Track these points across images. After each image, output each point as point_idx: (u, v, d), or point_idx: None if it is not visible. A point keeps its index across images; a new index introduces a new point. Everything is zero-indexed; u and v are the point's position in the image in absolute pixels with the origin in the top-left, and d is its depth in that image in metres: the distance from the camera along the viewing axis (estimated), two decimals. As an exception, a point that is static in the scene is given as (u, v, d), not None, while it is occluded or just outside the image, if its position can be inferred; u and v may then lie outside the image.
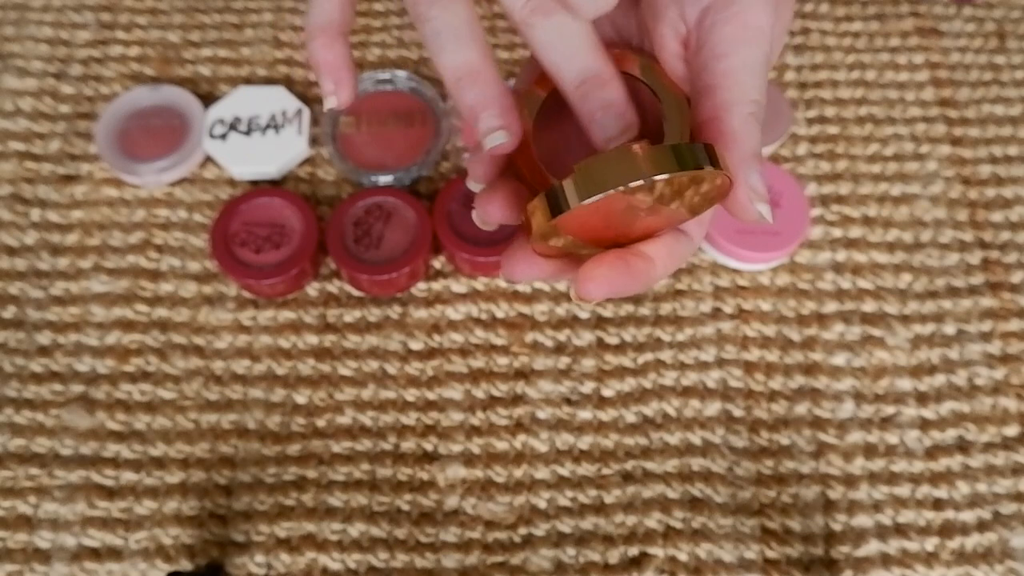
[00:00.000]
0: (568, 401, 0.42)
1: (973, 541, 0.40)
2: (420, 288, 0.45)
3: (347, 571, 0.39)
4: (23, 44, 0.52)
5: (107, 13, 0.53)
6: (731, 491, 0.41)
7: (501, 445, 0.41)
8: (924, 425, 0.42)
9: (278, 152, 0.47)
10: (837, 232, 0.47)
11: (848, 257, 0.46)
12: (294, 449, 0.41)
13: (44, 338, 0.44)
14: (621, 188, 0.21)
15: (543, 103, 0.27)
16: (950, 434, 0.42)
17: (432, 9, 0.25)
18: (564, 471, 0.41)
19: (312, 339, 0.44)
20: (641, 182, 0.21)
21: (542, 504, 0.40)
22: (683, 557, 0.39)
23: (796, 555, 0.40)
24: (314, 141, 0.49)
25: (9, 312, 0.44)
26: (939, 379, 0.43)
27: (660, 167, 0.21)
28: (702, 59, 0.25)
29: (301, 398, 0.42)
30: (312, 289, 0.45)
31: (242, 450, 0.41)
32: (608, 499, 0.40)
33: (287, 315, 0.44)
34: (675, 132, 0.25)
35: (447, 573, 0.39)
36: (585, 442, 0.41)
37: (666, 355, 0.43)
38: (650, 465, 0.41)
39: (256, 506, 0.40)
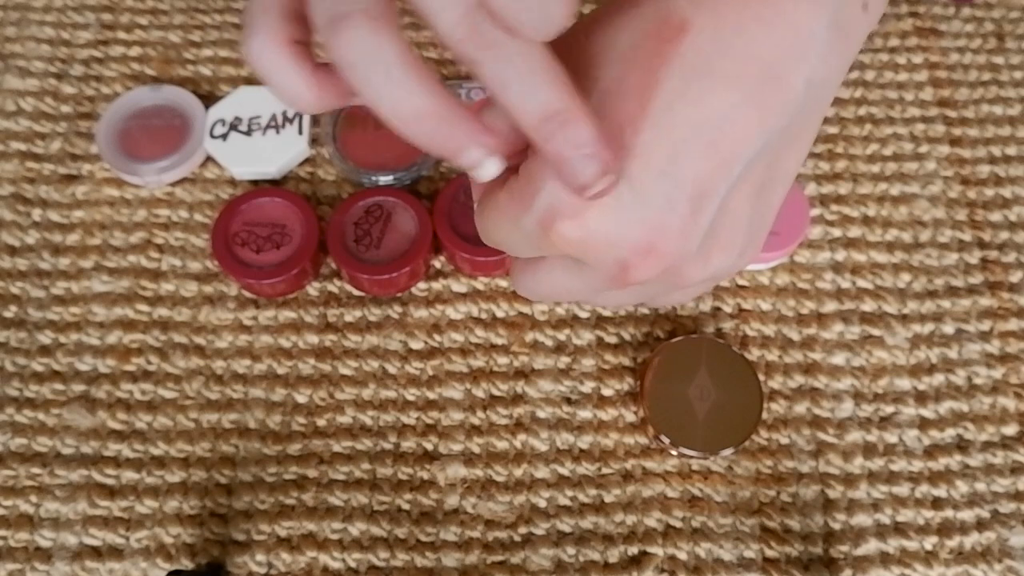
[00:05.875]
0: (568, 400, 0.42)
1: (972, 540, 0.40)
2: (420, 288, 0.45)
3: (347, 570, 0.39)
4: (24, 44, 0.52)
5: (108, 13, 0.53)
6: (730, 490, 0.41)
7: (501, 444, 0.41)
8: (923, 424, 0.42)
9: (279, 152, 0.47)
10: (836, 232, 0.47)
11: (847, 257, 0.46)
12: (295, 448, 0.41)
13: (45, 337, 0.44)
14: None
15: None
16: (949, 433, 0.42)
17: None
18: (564, 470, 0.41)
19: (313, 338, 0.44)
20: None
21: (542, 503, 0.40)
22: (683, 556, 0.39)
23: (795, 554, 0.40)
24: (314, 141, 0.49)
25: (11, 311, 0.44)
26: (938, 378, 0.43)
27: None
28: None
29: (302, 397, 0.42)
30: (312, 289, 0.45)
31: (243, 449, 0.41)
32: (608, 498, 0.40)
33: (288, 315, 0.44)
34: None
35: (447, 572, 0.39)
36: (585, 441, 0.42)
37: (666, 354, 0.43)
38: (650, 464, 0.41)
39: (257, 505, 0.40)
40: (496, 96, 0.22)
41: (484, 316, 0.44)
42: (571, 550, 0.39)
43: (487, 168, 0.24)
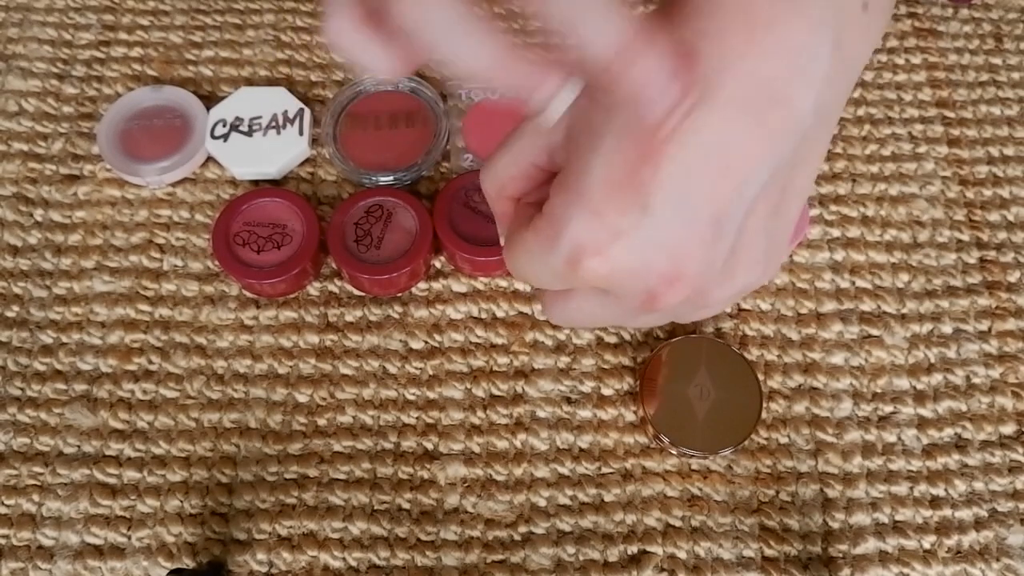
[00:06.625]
0: (568, 400, 0.43)
1: (970, 539, 0.40)
2: (420, 288, 0.45)
3: (348, 569, 0.39)
4: (27, 45, 0.52)
5: (110, 14, 0.53)
6: (730, 489, 0.41)
7: (501, 444, 0.42)
8: (921, 424, 0.43)
9: (279, 152, 0.47)
10: (835, 232, 0.47)
11: (846, 256, 0.46)
12: (295, 448, 0.42)
13: (47, 337, 0.44)
14: None
15: None
16: (947, 433, 0.42)
17: None
18: (564, 469, 0.41)
19: (313, 338, 0.44)
20: None
21: (542, 502, 0.40)
22: (682, 555, 0.39)
23: (795, 553, 0.40)
24: (315, 141, 0.49)
25: (13, 311, 0.44)
26: (936, 378, 0.44)
27: None
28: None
29: (302, 397, 0.43)
30: (313, 289, 0.45)
31: (244, 449, 0.42)
32: (608, 497, 0.41)
33: (288, 314, 0.44)
34: None
35: (448, 571, 0.39)
36: (585, 441, 0.42)
37: (665, 354, 0.44)
38: (649, 464, 0.41)
39: (258, 504, 0.40)
40: (568, 35, 0.22)
41: (484, 316, 0.45)
42: (571, 549, 0.40)
43: (562, 99, 0.24)
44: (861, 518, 0.40)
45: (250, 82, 0.51)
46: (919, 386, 0.43)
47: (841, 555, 0.40)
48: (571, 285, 0.28)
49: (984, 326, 0.45)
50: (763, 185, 0.25)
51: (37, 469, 0.41)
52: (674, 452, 0.41)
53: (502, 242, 0.32)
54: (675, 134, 0.24)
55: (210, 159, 0.48)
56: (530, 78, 0.24)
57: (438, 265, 0.46)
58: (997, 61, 0.53)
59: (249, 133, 0.48)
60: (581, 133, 0.26)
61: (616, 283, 0.26)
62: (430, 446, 0.42)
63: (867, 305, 0.45)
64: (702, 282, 0.26)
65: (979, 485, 0.41)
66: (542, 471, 0.41)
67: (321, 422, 0.42)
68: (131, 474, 0.41)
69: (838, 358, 0.44)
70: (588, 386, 0.43)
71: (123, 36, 0.52)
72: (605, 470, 0.41)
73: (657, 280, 0.26)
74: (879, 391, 0.43)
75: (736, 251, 0.26)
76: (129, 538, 0.40)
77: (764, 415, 0.42)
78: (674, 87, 0.23)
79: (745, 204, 0.25)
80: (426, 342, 0.44)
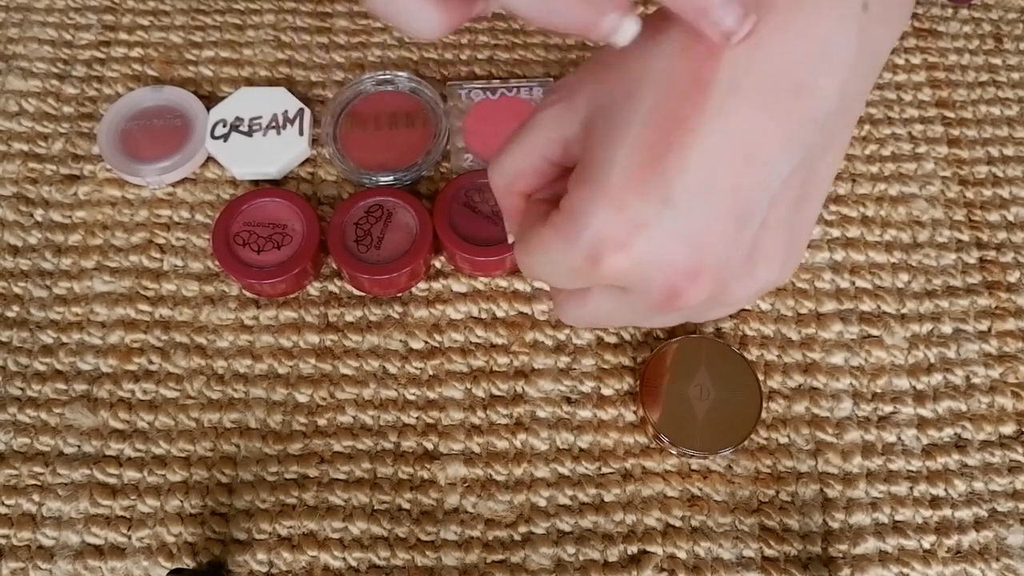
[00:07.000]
0: (568, 400, 0.43)
1: (970, 539, 0.40)
2: (420, 288, 0.45)
3: (348, 569, 0.39)
4: (27, 45, 0.52)
5: (110, 14, 0.53)
6: (730, 489, 0.41)
7: (501, 444, 0.42)
8: (921, 424, 0.43)
9: (279, 152, 0.47)
10: (835, 232, 0.47)
11: (846, 256, 0.46)
12: (295, 448, 0.42)
13: (48, 337, 0.44)
14: None
15: None
16: (947, 433, 0.42)
17: None
18: (564, 469, 0.41)
19: (313, 338, 0.44)
20: None
21: (542, 502, 0.40)
22: (682, 555, 0.39)
23: (794, 553, 0.40)
24: (315, 141, 0.49)
25: (13, 311, 0.44)
26: (936, 378, 0.44)
27: None
28: None
29: (302, 397, 0.43)
30: (313, 289, 0.45)
31: (244, 449, 0.42)
32: (607, 497, 0.41)
33: (288, 314, 0.44)
34: None
35: (448, 571, 0.39)
36: (585, 441, 0.42)
37: (665, 354, 0.44)
38: (649, 463, 0.41)
39: (258, 504, 0.40)
40: None
41: (484, 316, 0.45)
42: (571, 549, 0.40)
43: (626, 29, 0.24)
44: (861, 518, 0.40)
45: (250, 82, 0.51)
46: (919, 386, 0.43)
47: (841, 555, 0.40)
48: (590, 283, 0.27)
49: (984, 326, 0.45)
50: (785, 177, 0.25)
51: (37, 469, 0.41)
52: (674, 452, 0.41)
53: (510, 239, 0.30)
54: (734, 53, 0.24)
55: (210, 159, 0.48)
56: (594, 7, 0.24)
57: (438, 265, 0.46)
58: (997, 61, 0.53)
59: (249, 133, 0.48)
60: (601, 125, 0.26)
61: (637, 279, 0.26)
62: (430, 446, 0.42)
63: (867, 305, 0.45)
64: (723, 276, 0.26)
65: (979, 485, 0.41)
66: (542, 471, 0.41)
67: (321, 422, 0.42)
68: (131, 474, 0.41)
69: (838, 358, 0.44)
70: (588, 386, 0.43)
71: (123, 36, 0.52)
72: (605, 470, 0.41)
73: (679, 275, 0.25)
74: (879, 391, 0.43)
75: (757, 244, 0.26)
76: (129, 538, 0.40)
77: (764, 415, 0.42)
78: (736, 5, 0.23)
79: (767, 196, 0.25)
80: (426, 342, 0.44)
